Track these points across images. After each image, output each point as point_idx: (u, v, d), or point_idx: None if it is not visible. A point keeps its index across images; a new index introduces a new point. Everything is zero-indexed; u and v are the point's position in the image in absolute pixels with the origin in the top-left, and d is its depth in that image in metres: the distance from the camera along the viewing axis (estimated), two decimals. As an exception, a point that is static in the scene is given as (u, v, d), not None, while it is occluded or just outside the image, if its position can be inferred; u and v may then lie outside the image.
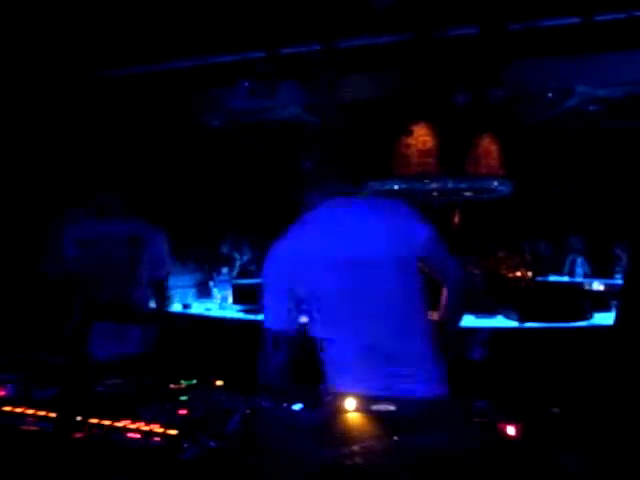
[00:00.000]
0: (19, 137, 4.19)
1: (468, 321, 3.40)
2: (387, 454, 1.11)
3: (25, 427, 1.26)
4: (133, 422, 1.24)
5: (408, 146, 5.19)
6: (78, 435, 1.21)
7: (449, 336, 1.95)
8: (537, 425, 1.23)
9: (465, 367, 2.63)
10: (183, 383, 1.52)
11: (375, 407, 1.37)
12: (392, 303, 1.75)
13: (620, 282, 4.62)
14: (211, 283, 4.36)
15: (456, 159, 5.15)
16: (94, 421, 1.25)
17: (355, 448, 1.12)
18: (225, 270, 4.43)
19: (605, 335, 2.89)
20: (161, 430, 1.20)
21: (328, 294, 1.74)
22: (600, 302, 3.65)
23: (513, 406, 1.32)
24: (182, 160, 5.31)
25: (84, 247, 2.57)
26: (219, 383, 1.51)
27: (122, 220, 2.64)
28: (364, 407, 1.36)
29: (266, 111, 5.29)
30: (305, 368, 1.76)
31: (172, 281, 3.56)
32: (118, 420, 1.25)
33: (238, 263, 5.76)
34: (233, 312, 3.97)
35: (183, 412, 1.31)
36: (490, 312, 3.55)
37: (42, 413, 1.31)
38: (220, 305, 4.06)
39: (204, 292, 4.37)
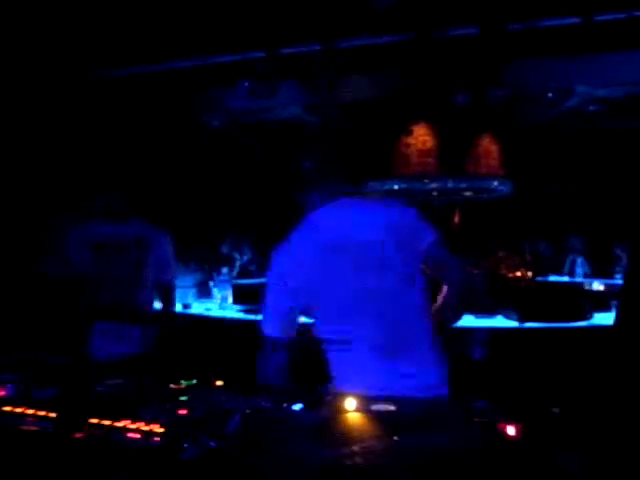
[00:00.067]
0: (20, 137, 4.19)
1: (468, 321, 3.39)
2: (387, 454, 1.11)
3: (25, 427, 1.26)
4: (133, 422, 1.24)
5: (408, 146, 5.20)
6: (78, 435, 1.21)
7: (448, 336, 1.95)
8: (537, 425, 1.23)
9: (465, 367, 2.63)
10: (183, 383, 1.52)
11: (375, 407, 1.37)
12: (397, 303, 1.75)
13: (620, 282, 4.62)
14: (211, 283, 4.36)
15: (456, 159, 5.16)
16: (94, 421, 1.25)
17: (355, 448, 1.12)
18: (225, 270, 4.44)
19: (605, 335, 2.89)
20: (161, 430, 1.20)
21: (334, 295, 1.74)
22: (600, 302, 3.65)
23: (513, 406, 1.32)
24: (182, 160, 5.31)
25: (91, 249, 2.56)
26: (219, 383, 1.51)
27: (128, 222, 2.63)
28: (364, 407, 1.36)
29: (266, 111, 5.29)
30: (304, 368, 1.76)
31: (172, 281, 3.56)
32: (118, 420, 1.25)
33: (238, 263, 5.76)
34: (233, 312, 3.97)
35: (183, 412, 1.31)
36: (490, 312, 3.55)
37: (42, 413, 1.31)
38: (220, 305, 4.06)
39: (204, 292, 4.36)
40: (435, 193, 5.35)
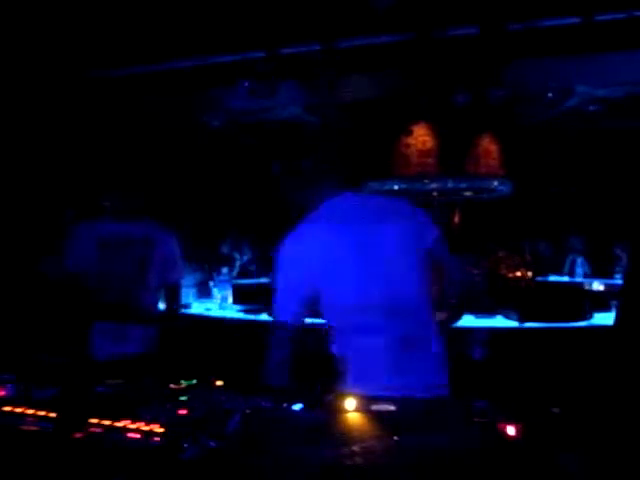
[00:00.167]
0: (20, 138, 4.20)
1: (468, 321, 3.39)
2: (387, 454, 1.11)
3: (25, 427, 1.26)
4: (133, 422, 1.24)
5: (408, 146, 5.20)
6: (78, 435, 1.20)
7: (448, 336, 1.95)
8: (537, 425, 1.23)
9: (465, 367, 2.63)
10: (183, 383, 1.52)
11: (375, 407, 1.37)
12: (408, 297, 1.77)
13: (620, 282, 4.62)
14: (211, 283, 4.35)
15: (456, 159, 5.16)
16: (94, 421, 1.25)
17: (355, 448, 1.12)
18: (225, 270, 4.44)
19: (605, 335, 2.89)
20: (161, 430, 1.20)
21: (351, 283, 1.74)
22: (600, 302, 3.65)
23: (513, 406, 1.32)
24: (182, 160, 5.31)
25: (96, 246, 2.55)
26: (219, 383, 1.51)
27: (135, 221, 2.63)
28: (364, 407, 1.36)
29: (266, 111, 5.30)
30: (308, 366, 1.76)
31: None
32: (118, 420, 1.25)
33: (238, 263, 5.77)
34: (233, 312, 3.97)
35: (183, 412, 1.31)
36: (490, 312, 3.55)
37: (42, 413, 1.30)
38: (220, 305, 4.06)
39: (204, 292, 4.36)
40: (435, 193, 5.35)
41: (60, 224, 4.14)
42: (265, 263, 5.91)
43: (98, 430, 1.22)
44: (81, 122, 4.52)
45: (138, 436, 1.19)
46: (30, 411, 1.31)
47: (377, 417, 1.30)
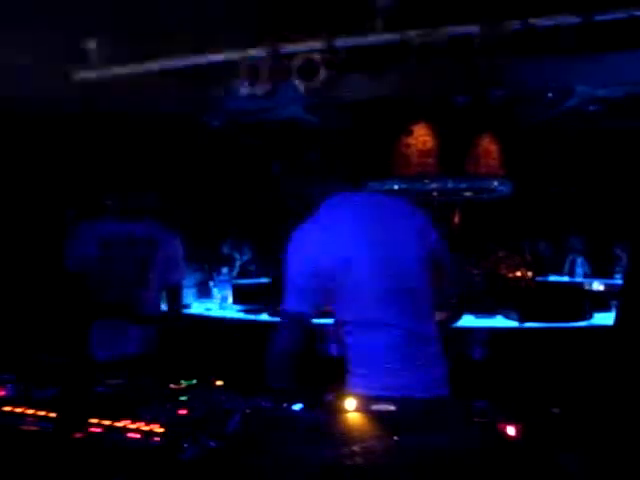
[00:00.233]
0: (21, 137, 4.20)
1: (468, 321, 3.39)
2: (387, 454, 1.11)
3: (25, 427, 1.26)
4: (133, 422, 1.24)
5: (408, 146, 5.20)
6: (78, 435, 1.20)
7: (448, 336, 1.96)
8: (537, 425, 1.23)
9: (465, 367, 2.63)
10: (183, 383, 1.52)
11: (375, 407, 1.37)
12: (415, 295, 1.78)
13: (620, 282, 4.62)
14: (211, 283, 4.35)
15: (456, 159, 5.15)
16: (94, 421, 1.25)
17: (355, 448, 1.12)
18: (225, 270, 4.44)
19: (605, 335, 2.89)
20: (161, 430, 1.20)
21: (364, 278, 1.73)
22: (600, 302, 3.65)
23: (513, 406, 1.32)
24: (182, 160, 5.31)
25: (98, 245, 2.55)
26: (219, 383, 1.51)
27: (139, 222, 2.62)
28: (364, 407, 1.36)
29: (266, 111, 5.29)
30: (305, 369, 1.75)
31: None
32: (118, 420, 1.25)
33: (238, 263, 5.77)
34: (233, 312, 3.97)
35: (183, 412, 1.31)
36: (490, 312, 3.55)
37: (42, 413, 1.30)
38: (220, 305, 4.06)
39: (204, 292, 4.36)
40: (435, 193, 5.35)
41: (61, 223, 4.14)
42: (265, 263, 5.91)
43: (98, 430, 1.22)
44: (82, 122, 4.52)
45: (138, 436, 1.19)
46: (30, 411, 1.31)
47: (377, 417, 1.30)
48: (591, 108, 5.18)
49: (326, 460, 1.09)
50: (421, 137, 5.17)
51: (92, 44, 3.67)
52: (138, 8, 3.63)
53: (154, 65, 4.44)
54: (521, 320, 3.33)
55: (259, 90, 4.30)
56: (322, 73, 4.17)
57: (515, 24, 3.71)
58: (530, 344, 3.22)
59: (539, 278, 5.15)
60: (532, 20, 3.67)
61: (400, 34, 3.98)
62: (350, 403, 1.37)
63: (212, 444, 1.14)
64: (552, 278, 5.78)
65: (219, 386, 1.50)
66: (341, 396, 1.39)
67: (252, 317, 3.75)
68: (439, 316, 1.95)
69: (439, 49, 3.96)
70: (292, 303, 1.74)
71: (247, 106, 4.91)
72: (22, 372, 1.59)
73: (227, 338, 3.52)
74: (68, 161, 4.46)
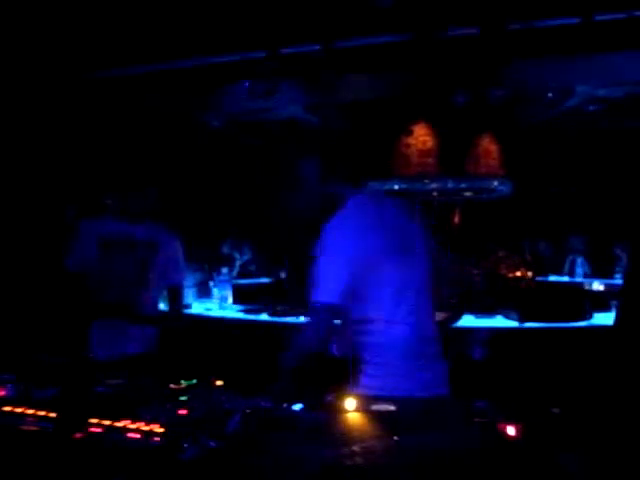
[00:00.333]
0: (22, 136, 4.20)
1: (468, 321, 3.39)
2: (387, 454, 1.11)
3: (25, 427, 1.26)
4: (133, 422, 1.24)
5: (408, 146, 5.19)
6: (78, 435, 1.20)
7: (448, 336, 1.97)
8: (537, 425, 1.23)
9: (465, 367, 2.63)
10: (183, 383, 1.52)
11: (375, 407, 1.37)
12: (424, 295, 1.85)
13: (620, 282, 4.62)
14: (211, 283, 4.35)
15: (456, 159, 5.15)
16: (94, 421, 1.25)
17: (355, 448, 1.12)
18: (225, 270, 4.43)
19: (605, 335, 2.89)
20: (161, 430, 1.20)
21: (385, 275, 1.77)
22: (600, 302, 3.65)
23: (513, 406, 1.32)
24: (182, 160, 5.31)
25: (101, 246, 2.54)
26: (219, 383, 1.51)
27: (140, 223, 2.62)
28: (364, 407, 1.36)
29: (266, 111, 5.29)
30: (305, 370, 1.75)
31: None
32: (118, 420, 1.25)
33: (238, 263, 5.76)
34: (233, 312, 3.97)
35: (183, 412, 1.31)
36: (490, 312, 3.55)
37: (42, 413, 1.30)
38: (220, 305, 4.06)
39: (204, 292, 4.36)
40: (435, 193, 5.34)
41: (61, 223, 4.14)
42: (265, 263, 5.91)
43: (98, 430, 1.23)
44: (82, 121, 4.52)
45: (138, 436, 1.19)
46: (30, 411, 1.32)
47: (377, 417, 1.30)
48: (591, 108, 5.18)
49: (326, 460, 1.09)
50: (421, 137, 5.17)
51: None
52: (138, 8, 3.64)
53: (155, 65, 4.44)
54: (521, 320, 3.33)
55: (259, 90, 4.30)
56: (322, 73, 4.17)
57: (515, 24, 3.71)
58: (530, 344, 3.22)
59: (539, 278, 5.15)
60: (532, 20, 3.67)
61: (400, 34, 3.99)
62: (350, 403, 1.37)
63: (212, 444, 1.14)
64: (552, 278, 5.77)
65: (219, 386, 1.50)
66: (341, 396, 1.39)
67: (252, 317, 3.75)
68: (439, 316, 1.96)
69: (439, 49, 3.96)
70: (325, 294, 1.73)
71: (247, 106, 4.91)
72: (22, 372, 1.59)
73: (227, 338, 3.52)
74: (68, 161, 4.46)
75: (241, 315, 3.87)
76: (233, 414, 1.28)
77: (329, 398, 1.42)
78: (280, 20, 3.80)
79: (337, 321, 1.87)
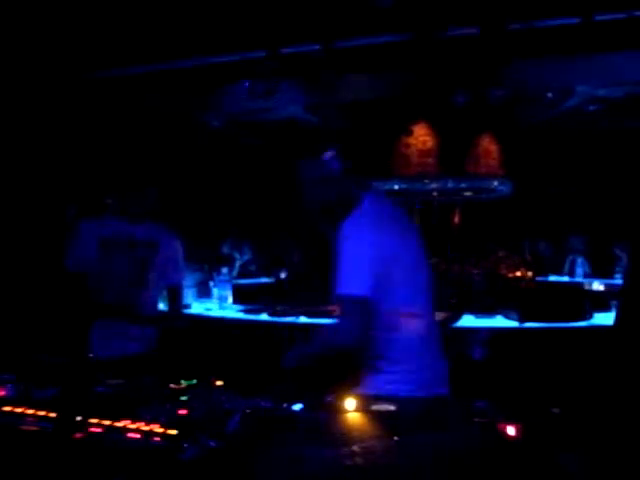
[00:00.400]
0: (23, 136, 4.20)
1: (468, 321, 3.39)
2: (387, 454, 1.11)
3: (25, 427, 1.26)
4: (133, 422, 1.24)
5: (408, 146, 5.19)
6: (78, 435, 1.20)
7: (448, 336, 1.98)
8: (537, 425, 1.23)
9: (465, 367, 2.63)
10: (183, 383, 1.52)
11: (375, 407, 1.37)
12: (430, 293, 1.90)
13: (620, 282, 4.62)
14: (211, 283, 4.35)
15: (456, 159, 5.15)
16: (94, 421, 1.25)
17: (355, 448, 1.12)
18: (225, 270, 4.43)
19: (605, 335, 2.88)
20: (161, 430, 1.20)
21: (406, 272, 1.81)
22: (600, 302, 3.65)
23: (513, 406, 1.32)
24: (182, 160, 5.31)
25: (101, 246, 2.54)
26: (219, 383, 1.51)
27: (138, 222, 2.61)
28: (364, 407, 1.36)
29: (266, 111, 5.29)
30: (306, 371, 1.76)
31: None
32: (118, 420, 1.25)
33: (238, 263, 5.76)
34: (233, 312, 3.97)
35: (183, 412, 1.31)
36: (490, 312, 3.55)
37: (42, 413, 1.30)
38: (220, 305, 4.06)
39: (204, 292, 4.36)
40: (435, 193, 5.34)
41: (62, 222, 4.14)
42: (265, 263, 5.91)
43: (98, 430, 1.22)
44: (82, 122, 4.52)
45: (138, 436, 1.19)
46: (30, 411, 1.31)
47: (377, 417, 1.30)
48: (591, 108, 5.18)
49: (326, 460, 1.09)
50: (421, 137, 5.17)
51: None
52: (138, 8, 3.64)
53: (155, 65, 4.44)
54: (521, 320, 3.33)
55: (259, 90, 4.30)
56: (322, 73, 4.17)
57: (515, 24, 3.71)
58: (530, 344, 3.22)
59: (539, 278, 5.15)
60: (532, 20, 3.67)
61: (400, 34, 3.99)
62: (350, 403, 1.37)
63: (212, 444, 1.14)
64: (552, 278, 5.77)
65: (219, 386, 1.50)
66: (341, 396, 1.39)
67: (252, 317, 3.75)
68: (439, 316, 1.97)
69: (439, 49, 3.96)
70: (355, 287, 1.72)
71: (247, 106, 4.91)
72: (22, 372, 1.59)
73: (227, 338, 3.52)
74: (69, 160, 4.46)
75: (241, 315, 3.87)
76: (233, 414, 1.28)
77: (329, 398, 1.42)
78: (280, 20, 3.80)
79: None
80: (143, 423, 1.23)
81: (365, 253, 1.74)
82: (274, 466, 1.08)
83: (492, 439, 1.18)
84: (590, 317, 3.41)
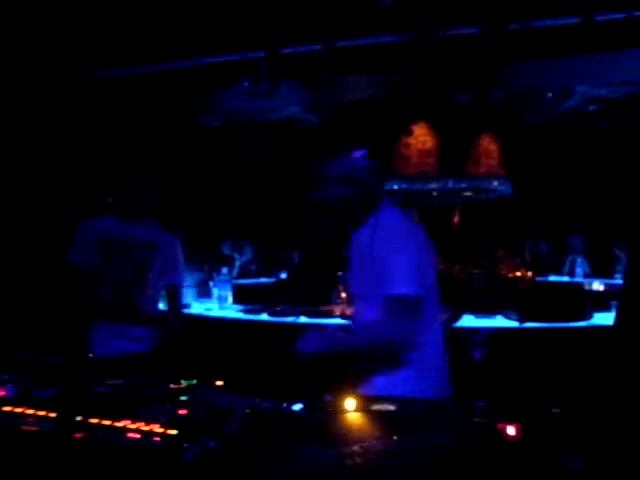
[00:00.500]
0: (25, 136, 4.20)
1: (468, 321, 3.39)
2: (387, 454, 1.11)
3: (25, 427, 1.26)
4: (133, 422, 1.24)
5: (408, 146, 5.19)
6: (78, 435, 1.20)
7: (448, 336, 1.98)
8: (537, 425, 1.23)
9: (465, 367, 2.63)
10: (183, 383, 1.52)
11: (375, 407, 1.37)
12: (438, 300, 1.94)
13: (620, 282, 4.62)
14: (211, 283, 4.35)
15: (456, 159, 5.15)
16: (94, 421, 1.25)
17: (355, 448, 1.12)
18: (225, 270, 4.43)
19: (605, 335, 2.88)
20: (161, 430, 1.20)
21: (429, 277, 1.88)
22: (600, 302, 3.64)
23: (513, 406, 1.32)
24: (182, 160, 5.31)
25: (101, 246, 2.54)
26: (219, 383, 1.51)
27: (138, 223, 2.61)
28: (364, 407, 1.36)
29: (266, 111, 5.29)
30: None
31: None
32: (118, 420, 1.25)
33: (238, 263, 5.76)
34: (233, 312, 3.97)
35: (183, 412, 1.31)
36: (490, 312, 3.55)
37: (42, 413, 1.30)
38: (220, 305, 4.06)
39: (204, 292, 4.36)
40: (435, 193, 5.34)
41: (64, 221, 4.14)
42: (265, 263, 5.91)
43: (98, 430, 1.22)
44: (83, 122, 4.52)
45: (138, 436, 1.19)
46: (30, 411, 1.31)
47: (377, 417, 1.30)
48: (591, 108, 5.18)
49: (326, 460, 1.09)
50: (421, 137, 5.17)
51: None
52: (138, 8, 3.64)
53: (154, 65, 4.44)
54: (521, 320, 3.33)
55: (259, 90, 4.30)
56: (322, 73, 4.17)
57: (515, 24, 3.72)
58: (530, 344, 3.22)
59: (539, 278, 5.15)
60: (532, 20, 3.68)
61: (400, 34, 3.99)
62: (350, 403, 1.37)
63: (212, 444, 1.13)
64: (552, 278, 5.76)
65: (219, 386, 1.50)
66: (341, 396, 1.39)
67: (252, 317, 3.75)
68: (440, 316, 1.97)
69: (439, 49, 3.96)
70: (414, 287, 1.73)
71: (247, 106, 4.91)
72: (22, 372, 1.59)
73: (227, 338, 3.52)
74: (70, 160, 4.46)
75: (241, 315, 3.87)
76: (233, 414, 1.28)
77: (329, 398, 1.42)
78: (280, 20, 3.80)
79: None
80: (143, 423, 1.23)
81: (414, 255, 1.78)
82: (274, 466, 1.08)
83: (492, 439, 1.18)
84: (590, 317, 3.41)
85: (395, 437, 1.17)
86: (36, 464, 1.13)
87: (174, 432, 1.18)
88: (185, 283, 3.80)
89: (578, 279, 5.65)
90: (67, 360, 1.75)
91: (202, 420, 1.26)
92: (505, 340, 3.23)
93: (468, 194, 5.45)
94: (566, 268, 5.89)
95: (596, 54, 4.08)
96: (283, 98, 4.64)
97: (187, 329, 2.94)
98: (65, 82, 4.37)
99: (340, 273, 3.56)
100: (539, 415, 1.28)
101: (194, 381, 1.53)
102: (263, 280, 5.63)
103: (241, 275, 5.57)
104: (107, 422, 1.24)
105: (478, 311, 3.55)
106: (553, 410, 1.29)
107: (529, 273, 4.71)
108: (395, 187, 5.15)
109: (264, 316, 3.71)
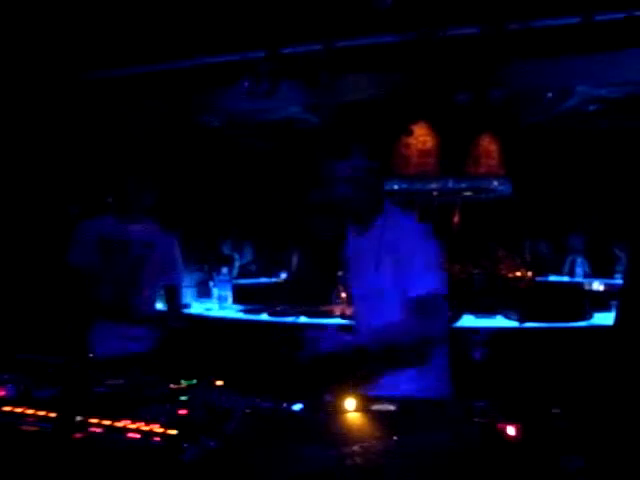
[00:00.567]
0: (25, 136, 4.20)
1: (468, 321, 3.39)
2: (387, 454, 1.11)
3: (25, 427, 1.26)
4: (133, 422, 1.24)
5: (408, 146, 5.20)
6: (78, 435, 1.20)
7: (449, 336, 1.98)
8: (537, 425, 1.23)
9: (465, 367, 2.63)
10: (183, 383, 1.52)
11: (375, 407, 1.37)
12: None
13: (620, 282, 4.62)
14: (211, 283, 4.35)
15: (456, 159, 5.16)
16: (94, 421, 1.25)
17: (355, 448, 1.12)
18: (225, 270, 4.43)
19: (605, 335, 2.89)
20: (161, 430, 1.20)
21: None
22: (600, 302, 3.64)
23: (513, 406, 1.32)
24: (182, 160, 5.31)
25: (100, 246, 2.54)
26: (219, 383, 1.51)
27: (137, 222, 2.61)
28: (364, 407, 1.36)
29: (266, 111, 5.29)
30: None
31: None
32: (118, 420, 1.25)
33: (238, 263, 5.77)
34: (233, 312, 3.97)
35: (183, 412, 1.31)
36: (490, 312, 3.55)
37: (42, 413, 1.30)
38: (220, 305, 4.06)
39: (204, 292, 4.36)
40: (435, 193, 5.35)
41: (64, 221, 4.14)
42: (265, 263, 5.91)
43: (98, 430, 1.22)
44: (83, 122, 4.52)
45: (138, 436, 1.19)
46: (30, 411, 1.31)
47: (377, 417, 1.30)
48: (591, 108, 5.18)
49: (326, 460, 1.09)
50: (421, 137, 5.17)
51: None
52: (138, 8, 3.64)
53: (154, 65, 4.44)
54: (521, 320, 3.33)
55: (259, 90, 4.30)
56: (322, 73, 4.17)
57: (515, 24, 3.72)
58: (530, 344, 3.22)
59: (539, 278, 5.15)
60: (532, 20, 3.68)
61: (400, 34, 3.99)
62: (350, 403, 1.37)
63: (212, 444, 1.13)
64: (552, 278, 5.76)
65: (219, 386, 1.50)
66: (341, 396, 1.39)
67: (252, 317, 3.75)
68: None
69: (439, 49, 3.96)
70: (441, 284, 1.77)
71: (247, 106, 4.91)
72: (22, 372, 1.59)
73: (227, 338, 3.52)
74: (70, 160, 4.46)
75: (241, 315, 3.87)
76: (233, 414, 1.28)
77: (329, 398, 1.42)
78: (280, 20, 3.80)
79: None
80: (143, 423, 1.23)
81: (437, 254, 1.82)
82: (274, 466, 1.08)
83: (492, 439, 1.18)
84: (590, 317, 3.41)
85: (395, 437, 1.17)
86: (36, 464, 1.13)
87: (174, 432, 1.18)
88: (185, 283, 3.80)
89: (578, 279, 5.65)
90: (67, 360, 1.75)
91: (202, 420, 1.26)
92: (505, 340, 3.23)
93: (468, 194, 5.45)
94: (566, 268, 5.89)
95: (596, 54, 4.08)
96: (283, 98, 4.63)
97: (187, 329, 2.94)
98: (65, 82, 4.37)
99: (340, 273, 3.56)
100: (539, 415, 1.28)
101: (194, 381, 1.53)
102: (263, 280, 5.63)
103: (241, 275, 5.57)
104: (107, 422, 1.24)
105: (478, 311, 3.55)
106: (553, 410, 1.29)
107: (529, 273, 4.71)
108: (395, 187, 5.15)
109: (264, 316, 3.71)
